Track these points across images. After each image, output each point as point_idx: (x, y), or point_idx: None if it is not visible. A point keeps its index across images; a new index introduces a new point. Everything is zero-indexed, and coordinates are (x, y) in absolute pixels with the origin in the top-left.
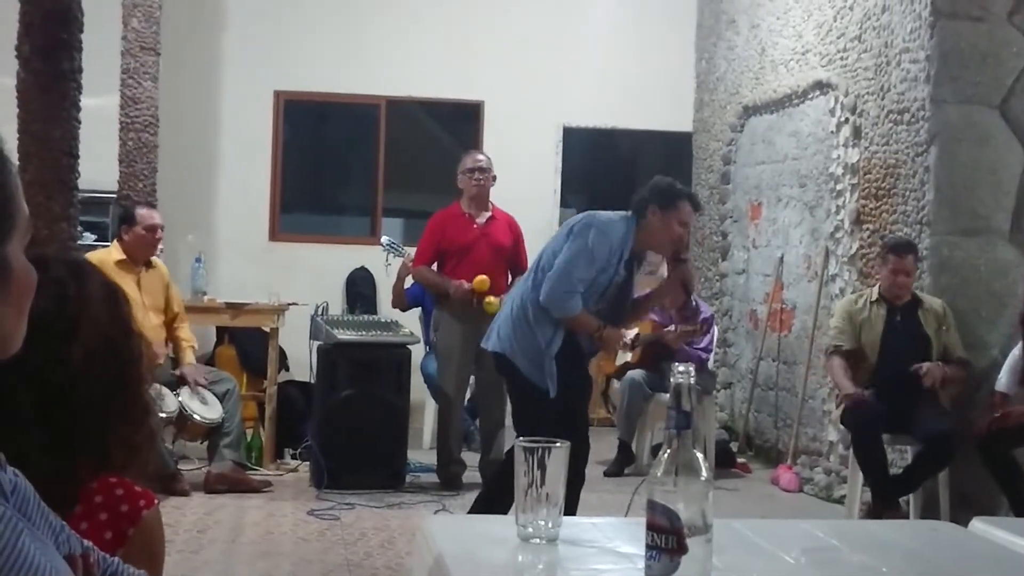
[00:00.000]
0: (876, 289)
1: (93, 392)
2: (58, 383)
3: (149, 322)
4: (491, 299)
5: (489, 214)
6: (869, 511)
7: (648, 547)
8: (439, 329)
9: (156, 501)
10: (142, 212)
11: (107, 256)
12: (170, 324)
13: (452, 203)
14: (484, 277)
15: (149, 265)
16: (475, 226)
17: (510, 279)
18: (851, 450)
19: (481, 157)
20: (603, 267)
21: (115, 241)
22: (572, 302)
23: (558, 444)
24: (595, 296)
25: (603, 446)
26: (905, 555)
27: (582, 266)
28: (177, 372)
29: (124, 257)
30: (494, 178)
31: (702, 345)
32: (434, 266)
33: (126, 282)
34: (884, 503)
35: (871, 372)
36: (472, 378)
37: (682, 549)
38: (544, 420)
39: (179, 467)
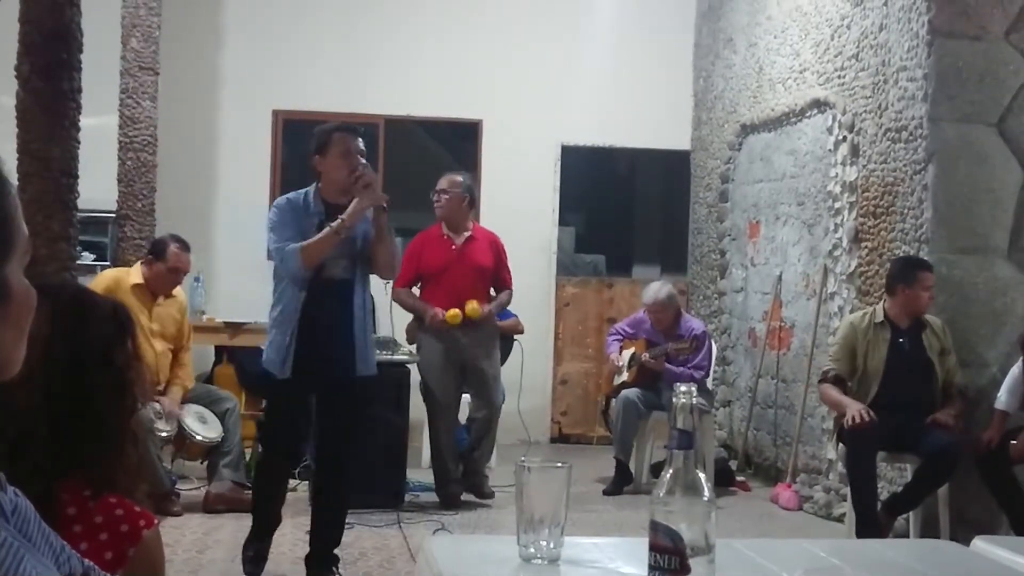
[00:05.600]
0: (880, 309)
1: (95, 416)
2: (62, 410)
3: (155, 349)
4: (472, 303)
5: (468, 234)
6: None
7: (651, 567)
8: (421, 349)
9: (156, 521)
10: (174, 252)
11: (125, 277)
12: (175, 353)
13: (434, 224)
14: (456, 311)
15: (168, 294)
16: (452, 248)
17: (495, 295)
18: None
19: (457, 178)
20: (302, 219)
21: (139, 264)
22: (287, 253)
23: (558, 464)
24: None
25: (601, 465)
26: (908, 575)
27: (277, 232)
28: (160, 399)
29: (142, 282)
30: (468, 200)
31: (694, 362)
32: (417, 287)
33: (138, 306)
34: (866, 524)
35: (874, 394)
36: (467, 396)
37: (685, 570)
38: (277, 406)
39: (178, 487)
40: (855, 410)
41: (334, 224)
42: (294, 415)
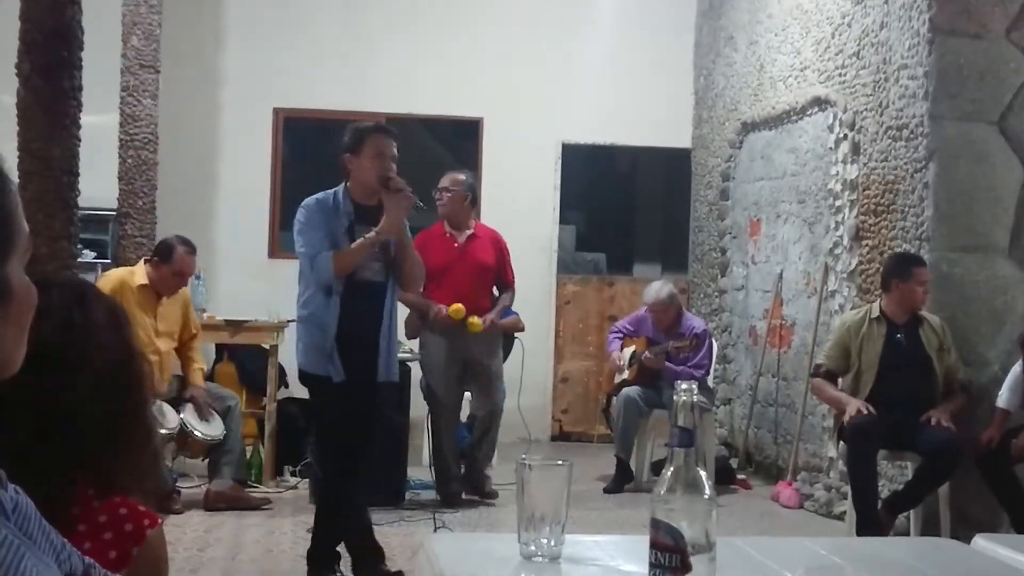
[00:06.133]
0: (877, 306)
1: (102, 416)
2: (66, 410)
3: (161, 347)
4: (474, 319)
5: (470, 232)
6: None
7: (651, 566)
8: (424, 347)
9: (160, 520)
10: (180, 255)
11: (130, 277)
12: (184, 344)
13: (436, 222)
14: (459, 306)
15: (172, 294)
16: (455, 246)
17: (497, 294)
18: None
19: (459, 177)
20: (331, 220)
21: (144, 263)
22: (319, 261)
23: (559, 462)
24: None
25: (602, 463)
26: (909, 573)
27: (307, 238)
28: (187, 395)
29: (147, 283)
30: (471, 198)
31: (694, 361)
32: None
33: (144, 307)
34: (867, 523)
35: (870, 390)
36: (468, 394)
37: (686, 568)
38: (333, 410)
39: (179, 485)
40: (854, 406)
41: (369, 235)
42: (353, 420)
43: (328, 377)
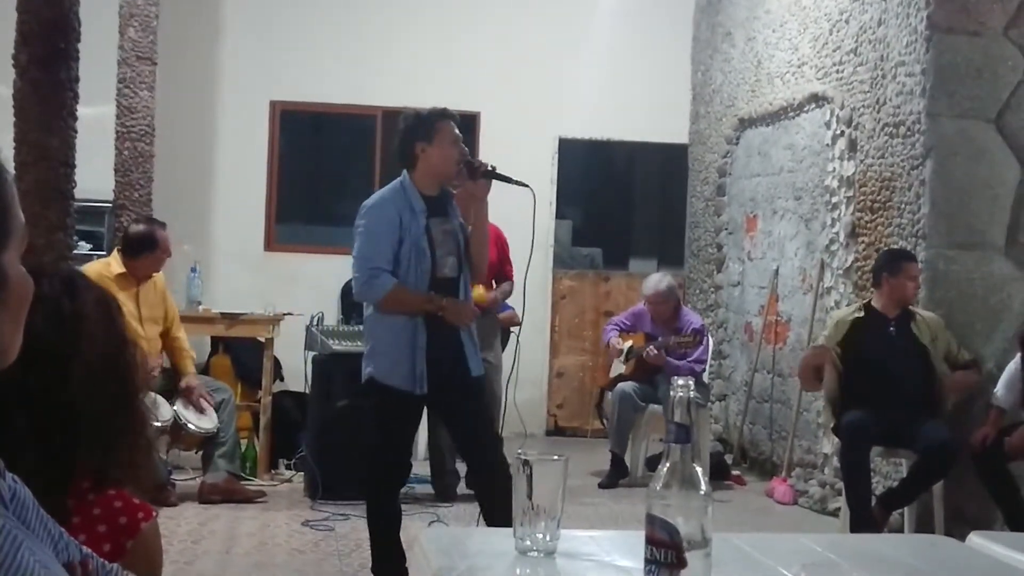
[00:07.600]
0: (869, 302)
1: (95, 407)
2: (60, 402)
3: (147, 334)
4: (479, 289)
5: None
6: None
7: (647, 561)
8: None
9: (154, 513)
10: (162, 236)
11: (106, 269)
12: (167, 332)
13: None
14: None
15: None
16: None
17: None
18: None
19: None
20: (404, 230)
21: (117, 253)
22: (379, 281)
23: (555, 457)
24: (422, 256)
25: (597, 458)
26: (905, 571)
27: (370, 246)
28: (182, 384)
29: (124, 271)
30: None
31: (693, 357)
32: None
33: (125, 296)
34: (861, 519)
35: (863, 385)
36: None
37: (681, 564)
38: (404, 421)
39: (173, 477)
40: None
41: (440, 302)
42: (413, 433)
43: (411, 391)
